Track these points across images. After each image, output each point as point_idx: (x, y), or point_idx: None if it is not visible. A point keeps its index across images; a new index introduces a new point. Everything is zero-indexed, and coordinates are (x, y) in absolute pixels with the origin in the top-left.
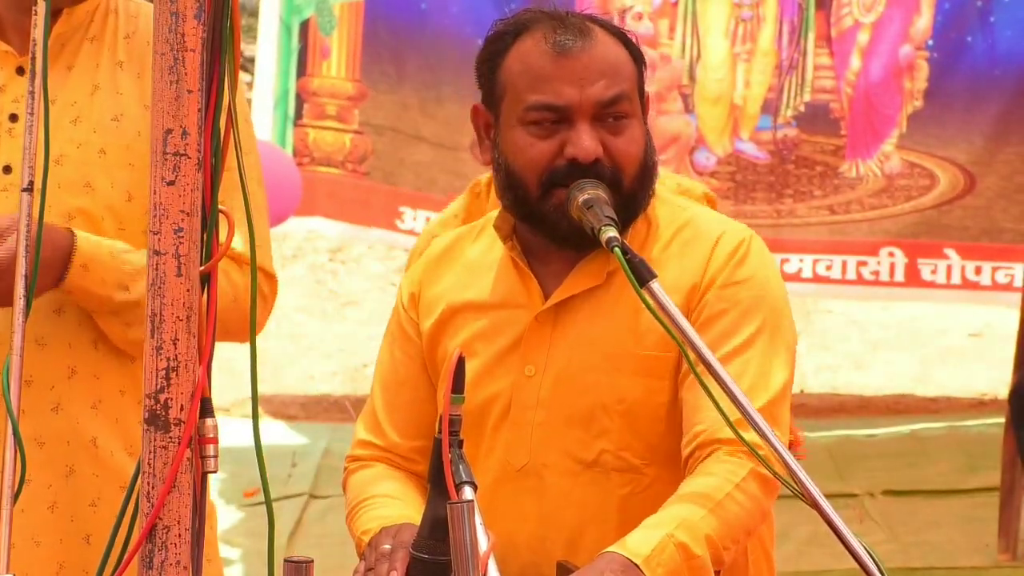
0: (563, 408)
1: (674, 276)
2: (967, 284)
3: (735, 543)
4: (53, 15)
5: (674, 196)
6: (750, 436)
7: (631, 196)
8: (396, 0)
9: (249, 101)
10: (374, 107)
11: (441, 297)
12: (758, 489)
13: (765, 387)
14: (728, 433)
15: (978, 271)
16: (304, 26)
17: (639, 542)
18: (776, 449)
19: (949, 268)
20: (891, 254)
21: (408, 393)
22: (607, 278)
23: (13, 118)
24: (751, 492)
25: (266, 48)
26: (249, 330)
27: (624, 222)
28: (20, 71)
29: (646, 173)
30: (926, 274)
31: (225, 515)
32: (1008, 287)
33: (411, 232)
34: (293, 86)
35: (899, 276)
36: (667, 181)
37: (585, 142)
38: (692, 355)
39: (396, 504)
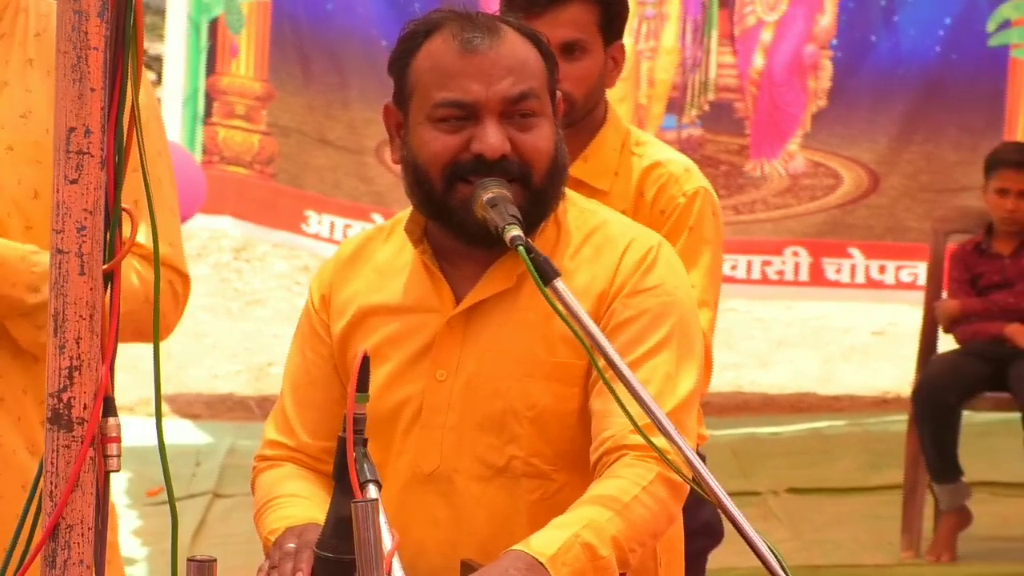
0: (474, 413)
1: (584, 282)
2: (871, 283)
3: (641, 545)
4: None
5: (584, 200)
6: (658, 441)
7: (540, 193)
8: (302, 0)
9: (159, 100)
10: (281, 108)
11: (352, 300)
12: (665, 492)
13: (672, 393)
14: (635, 439)
15: (882, 270)
16: (213, 24)
17: (545, 542)
18: (683, 452)
19: (853, 267)
20: (795, 253)
21: (319, 394)
22: (517, 281)
23: None
24: (658, 495)
25: (175, 46)
26: (162, 333)
27: (533, 220)
28: None
29: (556, 171)
30: (830, 273)
31: (129, 515)
32: (912, 286)
33: (316, 236)
34: (203, 84)
35: (803, 275)
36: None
37: (491, 138)
38: (601, 361)
39: (303, 504)
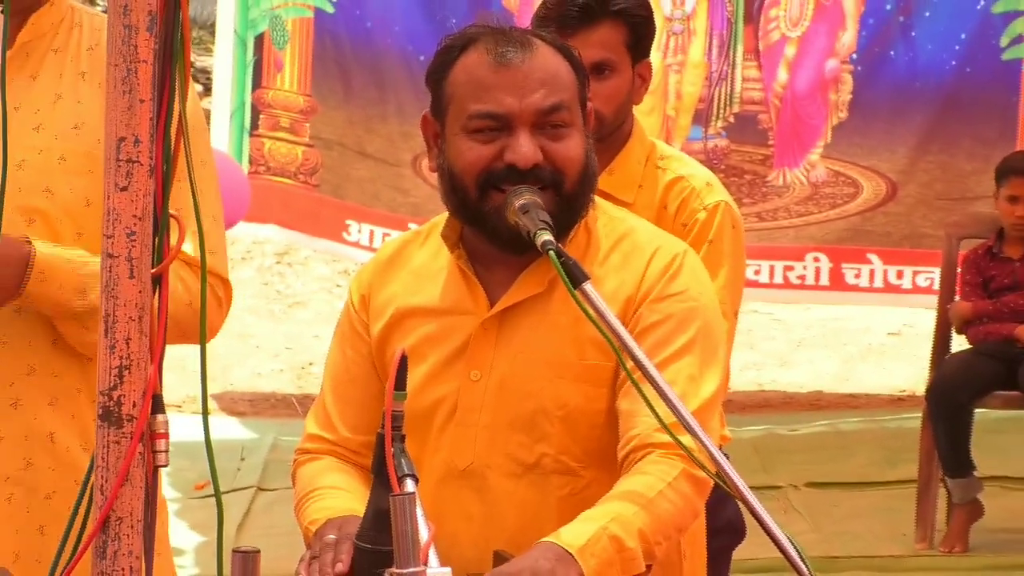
0: (506, 412)
1: (612, 288)
2: (889, 288)
3: (666, 538)
4: (19, 23)
5: (614, 208)
6: (684, 439)
7: (572, 198)
8: (343, 17)
9: (207, 113)
10: (323, 122)
11: (390, 301)
12: (689, 488)
13: (695, 394)
14: (661, 437)
15: (899, 275)
16: (259, 40)
17: (574, 534)
18: (707, 448)
19: (872, 272)
20: (816, 259)
21: (358, 390)
22: (549, 285)
23: None
24: (682, 491)
25: (222, 60)
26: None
27: (565, 226)
28: None
29: (587, 179)
30: (850, 278)
31: (176, 507)
32: (928, 290)
33: (356, 244)
34: (249, 98)
35: (824, 280)
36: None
37: (523, 148)
38: (629, 363)
39: (343, 496)
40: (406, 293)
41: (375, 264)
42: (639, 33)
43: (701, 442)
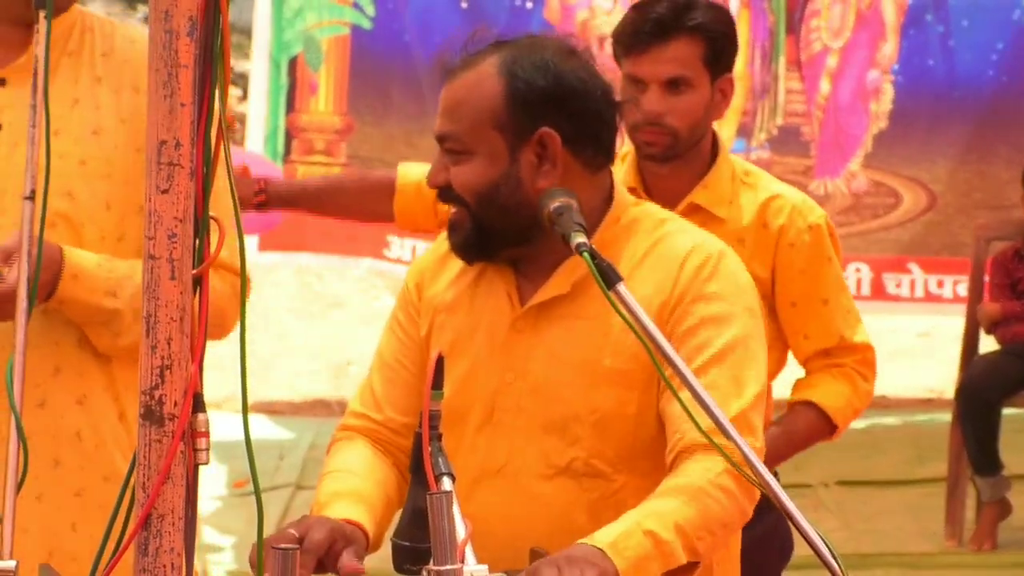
0: (540, 416)
1: (645, 292)
2: (930, 297)
3: (710, 533)
4: (31, 30)
5: (659, 211)
6: (723, 442)
7: (483, 220)
8: (380, 32)
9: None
10: (361, 139)
11: (436, 296)
12: (733, 485)
13: (738, 396)
14: (705, 439)
15: (940, 284)
16: (292, 62)
17: (607, 532)
18: (743, 452)
19: (912, 282)
20: (858, 269)
21: (407, 373)
22: (582, 286)
23: None
24: (726, 487)
25: (257, 85)
26: (222, 331)
27: (489, 246)
28: (2, 82)
29: (492, 204)
30: (891, 288)
31: (217, 505)
32: (966, 299)
33: (398, 260)
34: (283, 123)
35: (865, 290)
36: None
37: (432, 169)
38: (667, 370)
39: (351, 478)
40: (446, 290)
41: (433, 255)
42: (717, 48)
43: (737, 446)
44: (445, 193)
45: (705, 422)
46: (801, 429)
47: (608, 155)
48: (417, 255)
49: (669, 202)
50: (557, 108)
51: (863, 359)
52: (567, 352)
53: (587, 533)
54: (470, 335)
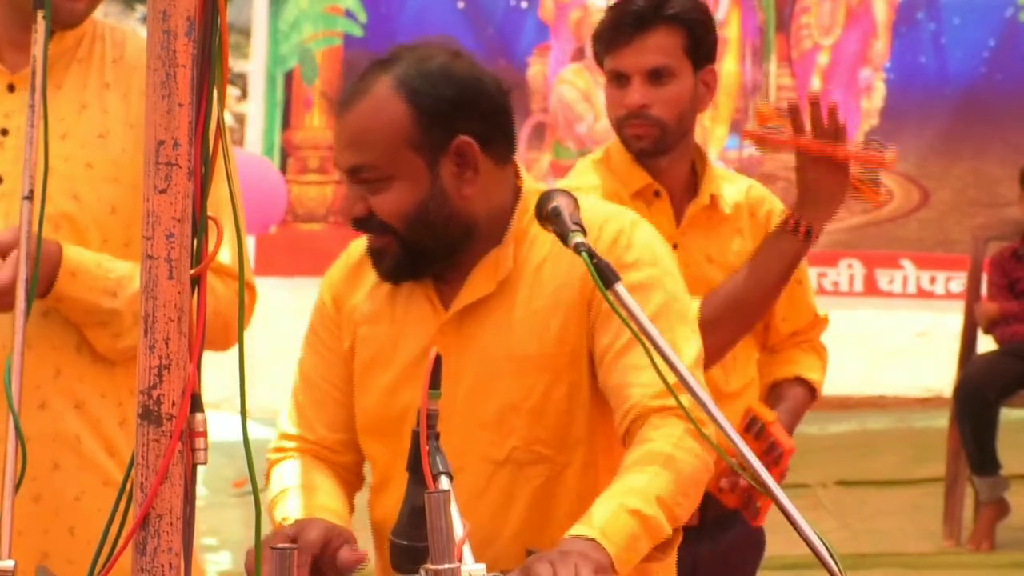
0: (476, 413)
1: (567, 272)
2: (922, 293)
3: (685, 497)
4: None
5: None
6: (685, 403)
7: (416, 242)
8: (372, 37)
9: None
10: None
11: (355, 309)
12: (696, 444)
13: (680, 358)
14: (655, 403)
15: (932, 280)
16: (288, 77)
17: (592, 519)
18: (705, 409)
19: (905, 278)
20: (850, 265)
21: (335, 390)
22: (500, 285)
23: (4, 132)
24: (690, 447)
25: (255, 102)
26: (228, 342)
27: (424, 264)
28: (11, 88)
29: (422, 224)
30: (883, 284)
31: (214, 504)
32: (960, 295)
33: None
34: (279, 139)
35: (858, 286)
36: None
37: (347, 202)
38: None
39: (316, 495)
40: (366, 300)
41: (344, 267)
42: (697, 37)
43: (701, 402)
44: (365, 223)
45: (659, 385)
46: (800, 405)
47: (512, 145)
48: None
49: (684, 194)
50: (467, 113)
51: (821, 330)
52: (498, 347)
53: (535, 519)
54: (394, 345)
